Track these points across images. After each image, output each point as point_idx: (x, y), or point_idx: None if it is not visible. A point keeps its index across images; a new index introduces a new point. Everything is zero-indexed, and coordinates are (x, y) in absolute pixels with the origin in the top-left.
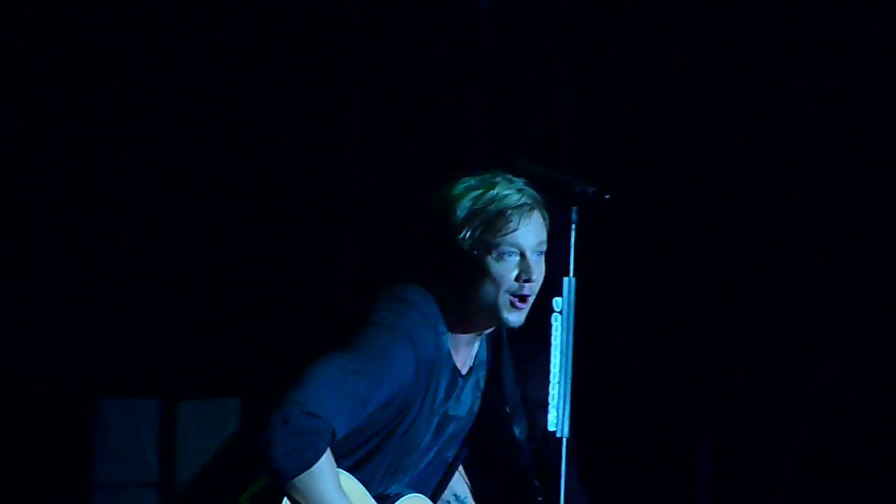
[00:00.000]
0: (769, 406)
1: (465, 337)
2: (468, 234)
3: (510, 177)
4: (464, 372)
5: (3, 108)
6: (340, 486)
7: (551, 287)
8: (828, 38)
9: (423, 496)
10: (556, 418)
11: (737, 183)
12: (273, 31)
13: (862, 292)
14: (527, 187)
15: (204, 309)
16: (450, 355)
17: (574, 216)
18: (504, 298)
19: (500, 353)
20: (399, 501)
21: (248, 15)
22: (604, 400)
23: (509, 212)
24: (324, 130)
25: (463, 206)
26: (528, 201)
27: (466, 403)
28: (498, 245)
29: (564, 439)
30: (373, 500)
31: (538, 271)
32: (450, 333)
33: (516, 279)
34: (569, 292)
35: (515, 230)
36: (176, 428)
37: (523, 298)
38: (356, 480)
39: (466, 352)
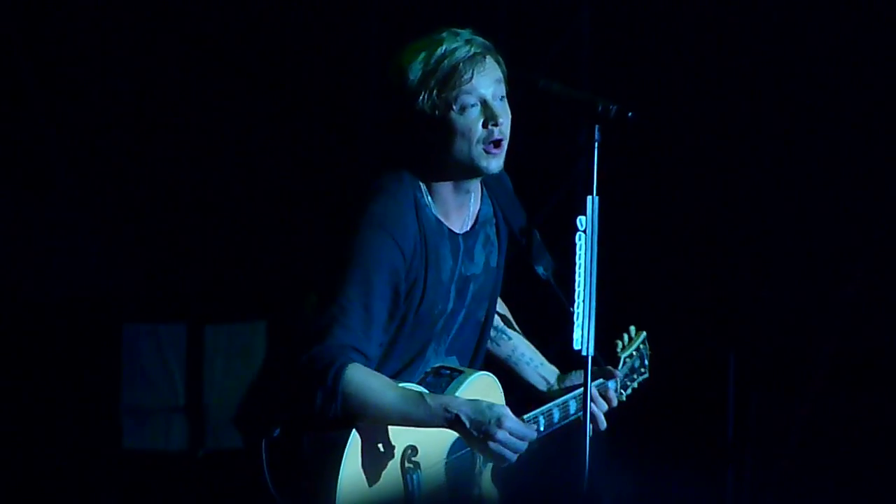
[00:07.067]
0: (796, 319)
1: (453, 199)
2: (426, 96)
3: (455, 30)
4: (463, 231)
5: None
6: (385, 378)
7: (575, 206)
8: None
9: (489, 374)
10: (581, 337)
11: (763, 98)
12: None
13: (891, 206)
14: (475, 36)
15: (230, 232)
16: (440, 222)
17: (597, 135)
18: (477, 149)
19: (504, 203)
20: (467, 382)
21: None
22: (628, 317)
23: (461, 65)
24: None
25: (415, 71)
26: (478, 50)
27: (480, 259)
28: (457, 98)
29: (590, 357)
30: (413, 384)
31: (504, 114)
32: (434, 203)
33: (484, 126)
34: (592, 211)
35: (471, 80)
36: (203, 352)
37: (497, 143)
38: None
39: (461, 212)
